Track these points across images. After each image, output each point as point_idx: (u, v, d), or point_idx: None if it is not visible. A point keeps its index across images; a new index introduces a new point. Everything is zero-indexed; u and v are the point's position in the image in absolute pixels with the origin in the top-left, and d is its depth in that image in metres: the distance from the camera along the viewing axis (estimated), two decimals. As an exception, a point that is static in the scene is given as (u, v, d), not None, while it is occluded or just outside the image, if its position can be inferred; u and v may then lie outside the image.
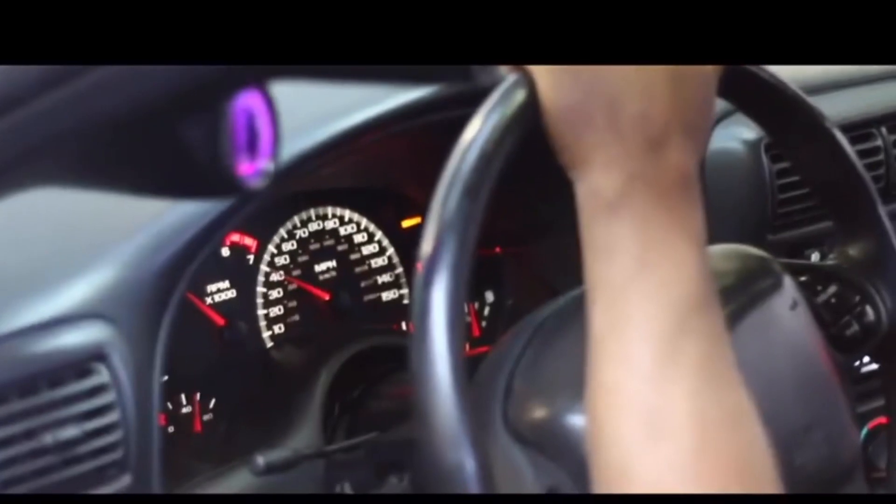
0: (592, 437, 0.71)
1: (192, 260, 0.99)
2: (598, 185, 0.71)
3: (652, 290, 0.70)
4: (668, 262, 0.70)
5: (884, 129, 1.50)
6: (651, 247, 0.70)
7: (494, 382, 0.92)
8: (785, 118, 1.07)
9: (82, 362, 0.91)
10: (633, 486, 0.68)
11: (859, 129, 1.49)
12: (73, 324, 0.92)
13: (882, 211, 1.10)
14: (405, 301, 1.42)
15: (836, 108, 1.49)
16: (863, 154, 1.48)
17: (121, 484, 0.92)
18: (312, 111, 1.10)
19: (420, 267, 0.80)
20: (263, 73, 0.70)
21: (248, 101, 0.69)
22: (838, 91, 1.53)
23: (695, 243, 0.72)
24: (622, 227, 0.71)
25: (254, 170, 0.71)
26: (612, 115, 0.71)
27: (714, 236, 1.39)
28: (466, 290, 0.80)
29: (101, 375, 0.91)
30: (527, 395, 0.90)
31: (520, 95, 0.78)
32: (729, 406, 0.70)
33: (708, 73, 0.74)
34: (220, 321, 1.28)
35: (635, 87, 0.71)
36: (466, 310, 1.45)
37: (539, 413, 0.89)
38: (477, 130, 0.81)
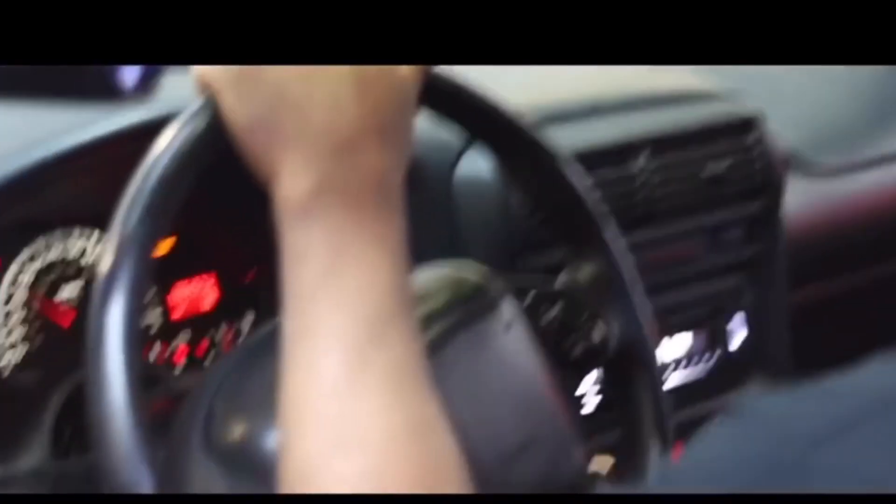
0: (281, 449, 0.70)
1: None
2: (288, 190, 0.71)
3: (341, 298, 0.69)
4: (358, 270, 0.70)
5: (643, 156, 1.52)
6: (342, 254, 0.70)
7: (198, 404, 0.91)
8: (511, 150, 1.08)
9: None
10: (310, 478, 0.68)
11: (617, 154, 1.51)
12: None
13: (608, 235, 1.12)
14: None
15: (596, 132, 1.51)
16: (620, 181, 1.50)
17: None
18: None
19: (96, 285, 0.80)
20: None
21: None
22: (601, 115, 1.55)
23: (388, 252, 0.71)
24: (312, 233, 0.70)
25: (135, 76, 0.70)
26: (299, 122, 0.70)
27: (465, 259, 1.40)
28: (142, 309, 0.80)
29: None
30: (227, 416, 0.89)
31: (204, 116, 0.79)
32: (417, 417, 0.70)
33: (402, 78, 0.74)
34: (-47, 343, 1.25)
35: (320, 91, 0.70)
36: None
37: (237, 433, 0.88)
38: (160, 152, 0.81)
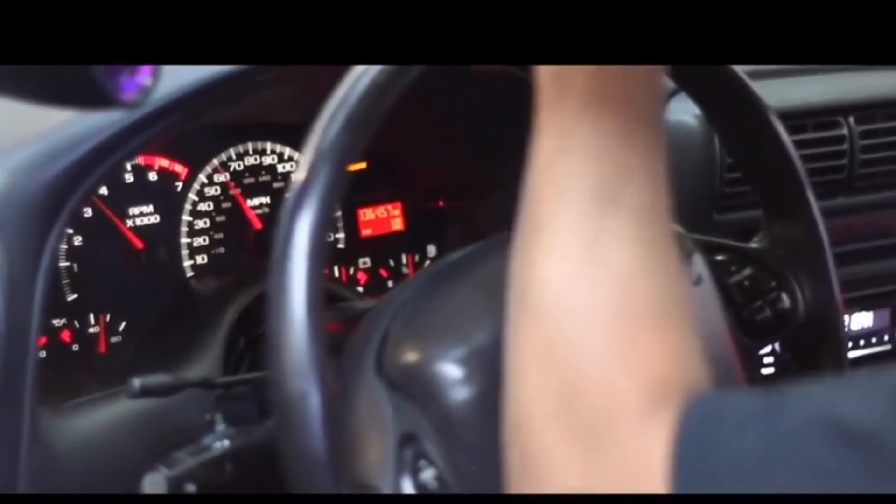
0: (517, 265, 0.68)
1: (87, 175, 0.96)
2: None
3: (599, 131, 0.67)
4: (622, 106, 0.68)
5: (851, 119, 1.47)
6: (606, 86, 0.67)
7: (374, 326, 0.90)
8: (719, 96, 1.05)
9: (-47, 266, 0.89)
10: (548, 307, 0.66)
11: (824, 115, 1.46)
12: (-51, 226, 0.90)
13: (811, 199, 1.07)
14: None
15: (804, 92, 1.46)
16: (825, 142, 1.45)
17: (-17, 392, 0.90)
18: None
19: (289, 194, 0.79)
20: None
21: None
22: (811, 76, 1.50)
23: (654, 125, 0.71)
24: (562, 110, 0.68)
25: (131, 83, 0.69)
26: None
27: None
28: (331, 222, 0.79)
29: (-29, 280, 0.89)
30: (401, 340, 0.88)
31: None
32: (659, 255, 0.67)
33: None
34: (139, 245, 1.27)
35: None
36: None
37: (410, 357, 0.87)
38: (365, 66, 0.80)
